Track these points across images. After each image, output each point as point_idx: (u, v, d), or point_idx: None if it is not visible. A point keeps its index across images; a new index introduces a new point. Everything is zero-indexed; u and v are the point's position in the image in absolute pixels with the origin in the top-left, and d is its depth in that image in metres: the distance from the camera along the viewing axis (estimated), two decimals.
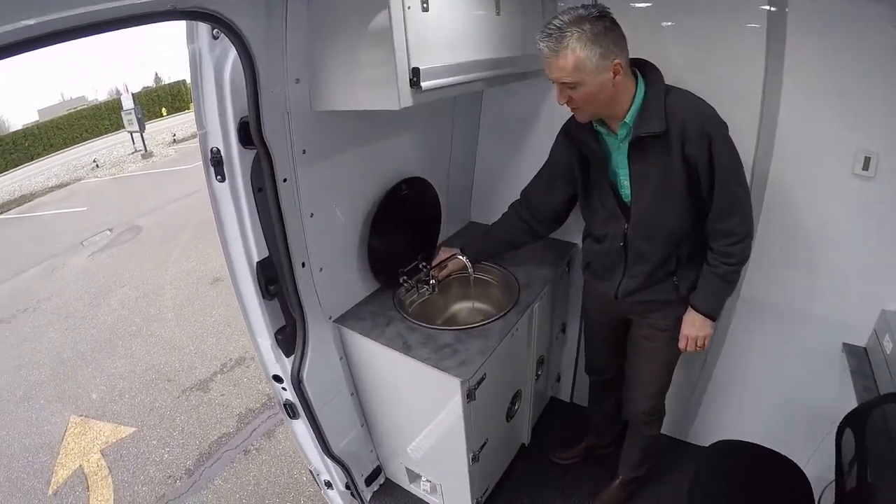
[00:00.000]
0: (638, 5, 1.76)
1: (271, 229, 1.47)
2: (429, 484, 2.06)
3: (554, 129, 1.72)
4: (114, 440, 3.73)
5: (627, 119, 1.38)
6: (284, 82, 1.34)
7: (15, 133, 21.98)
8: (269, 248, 1.50)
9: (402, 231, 1.93)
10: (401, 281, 1.93)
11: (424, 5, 1.26)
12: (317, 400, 1.76)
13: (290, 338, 1.63)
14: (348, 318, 1.80)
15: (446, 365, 1.56)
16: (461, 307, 2.16)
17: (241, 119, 1.32)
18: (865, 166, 1.62)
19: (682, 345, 1.63)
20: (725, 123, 1.36)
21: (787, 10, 1.55)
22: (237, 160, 1.36)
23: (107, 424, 3.84)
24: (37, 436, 3.89)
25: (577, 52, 1.25)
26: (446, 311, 2.15)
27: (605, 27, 1.26)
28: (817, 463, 1.80)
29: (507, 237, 1.91)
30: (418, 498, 2.17)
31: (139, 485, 3.34)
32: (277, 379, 1.70)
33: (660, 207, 1.46)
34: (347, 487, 2.07)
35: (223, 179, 1.38)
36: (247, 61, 1.22)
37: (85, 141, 22.04)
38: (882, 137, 1.57)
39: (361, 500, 2.17)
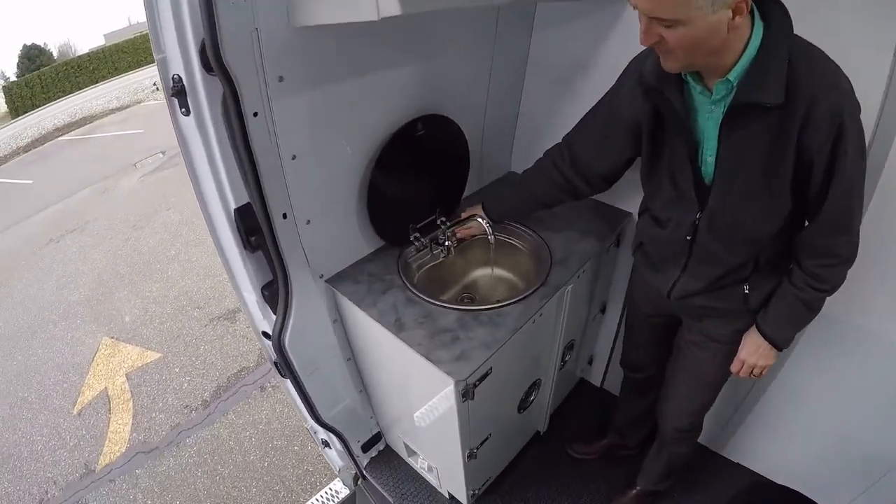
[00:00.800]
0: None
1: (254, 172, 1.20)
2: (426, 463, 1.86)
3: (608, 76, 1.32)
4: (140, 364, 3.81)
5: (731, 76, 0.97)
6: None
7: (80, 57, 22.47)
8: (249, 194, 1.24)
9: (416, 180, 1.61)
10: (412, 239, 1.65)
11: None
12: (304, 365, 1.56)
13: (278, 293, 1.41)
14: (343, 280, 1.54)
15: (440, 357, 1.28)
16: (482, 274, 1.85)
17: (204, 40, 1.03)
18: None
19: (734, 368, 1.32)
20: (860, 106, 0.95)
21: None
22: (202, 90, 1.08)
23: (135, 348, 3.93)
24: (70, 355, 4.05)
25: None
26: (465, 278, 1.85)
27: None
28: None
29: (539, 194, 1.53)
30: (416, 472, 2.00)
31: (157, 412, 3.40)
32: (267, 335, 1.52)
33: (748, 203, 1.09)
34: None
35: (188, 112, 1.12)
36: None
37: (149, 64, 22.43)
38: None
39: (357, 466, 2.02)
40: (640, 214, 1.42)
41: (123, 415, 3.33)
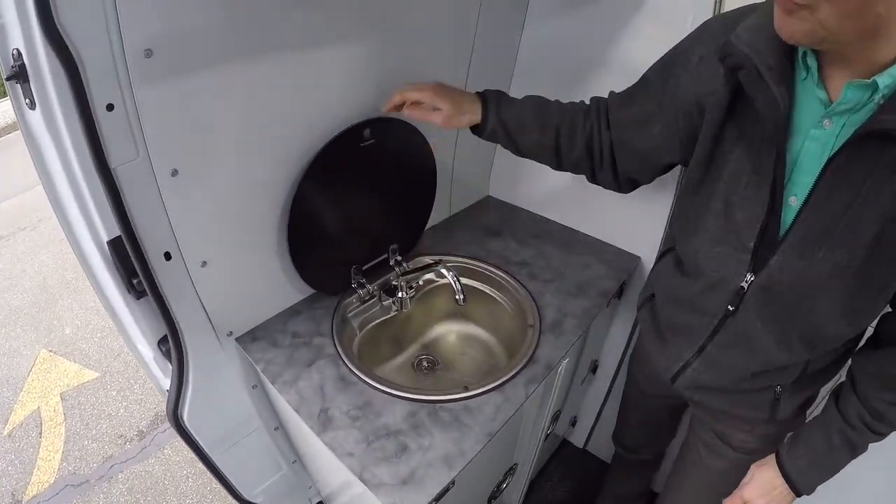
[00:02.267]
0: None
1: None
2: None
3: (621, 80, 0.96)
4: (76, 384, 3.41)
5: (881, 80, 0.59)
6: None
7: None
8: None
9: (361, 206, 1.18)
10: (353, 286, 1.24)
11: None
12: (215, 443, 1.19)
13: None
14: (258, 340, 1.13)
15: (379, 477, 0.87)
16: (447, 330, 1.44)
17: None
18: None
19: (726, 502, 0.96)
20: None
21: None
22: (48, 74, 0.69)
23: (73, 365, 3.54)
24: (5, 367, 3.67)
25: None
26: (424, 335, 1.43)
27: None
28: None
29: (555, 138, 0.98)
30: None
31: (89, 440, 3.03)
32: None
33: (836, 282, 0.71)
34: None
35: (33, 105, 0.73)
36: None
37: None
38: None
39: None
40: (659, 257, 1.06)
41: (55, 440, 2.99)
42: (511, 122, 0.99)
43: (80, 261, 0.96)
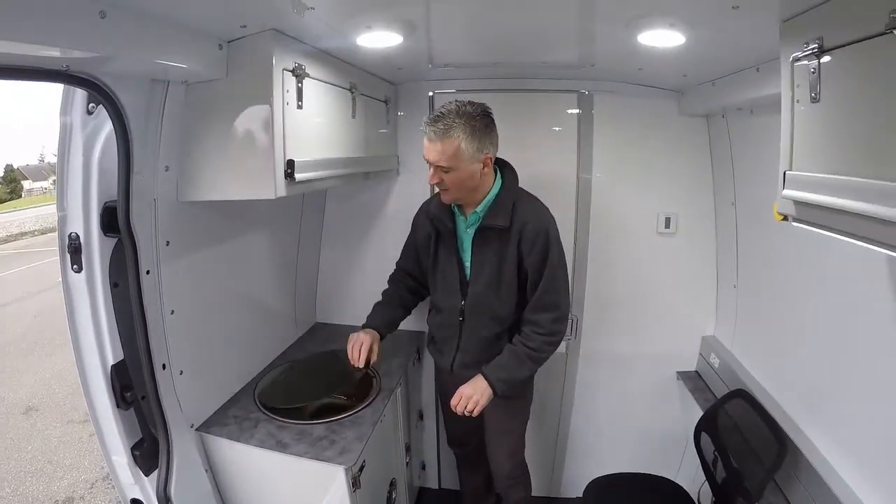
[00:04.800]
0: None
1: (128, 328, 1.33)
2: None
3: (391, 229, 2.09)
4: None
5: (479, 209, 1.60)
6: (155, 168, 1.32)
7: None
8: (124, 350, 1.35)
9: None
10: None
11: (299, 103, 1.42)
12: None
13: (148, 453, 1.41)
14: (212, 425, 1.61)
15: (327, 455, 1.49)
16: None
17: (105, 203, 1.25)
18: (667, 225, 2.17)
19: (453, 402, 1.64)
20: (557, 231, 1.63)
21: (592, 111, 2.13)
22: (97, 249, 1.26)
23: None
24: None
25: (460, 142, 1.45)
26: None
27: (485, 124, 1.49)
28: (686, 471, 2.17)
29: (402, 303, 1.91)
30: None
31: None
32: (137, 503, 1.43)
33: (491, 291, 1.64)
34: None
35: (80, 269, 1.25)
36: (123, 142, 1.19)
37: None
38: (677, 201, 2.14)
39: None
40: (429, 312, 1.89)
41: None
42: (391, 326, 1.87)
43: (82, 384, 1.33)
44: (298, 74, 1.40)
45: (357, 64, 1.77)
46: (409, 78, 2.16)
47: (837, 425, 1.43)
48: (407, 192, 2.29)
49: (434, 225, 1.71)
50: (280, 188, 1.33)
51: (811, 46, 0.92)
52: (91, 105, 1.19)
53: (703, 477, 1.83)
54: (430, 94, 2.22)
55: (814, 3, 0.92)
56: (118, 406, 1.34)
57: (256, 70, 1.30)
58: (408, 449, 2.20)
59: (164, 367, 1.42)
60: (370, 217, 2.40)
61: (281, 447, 1.52)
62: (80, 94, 1.18)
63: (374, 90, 1.97)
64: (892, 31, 0.73)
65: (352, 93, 1.74)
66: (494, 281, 1.63)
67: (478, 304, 1.67)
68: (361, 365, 1.70)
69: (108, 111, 1.14)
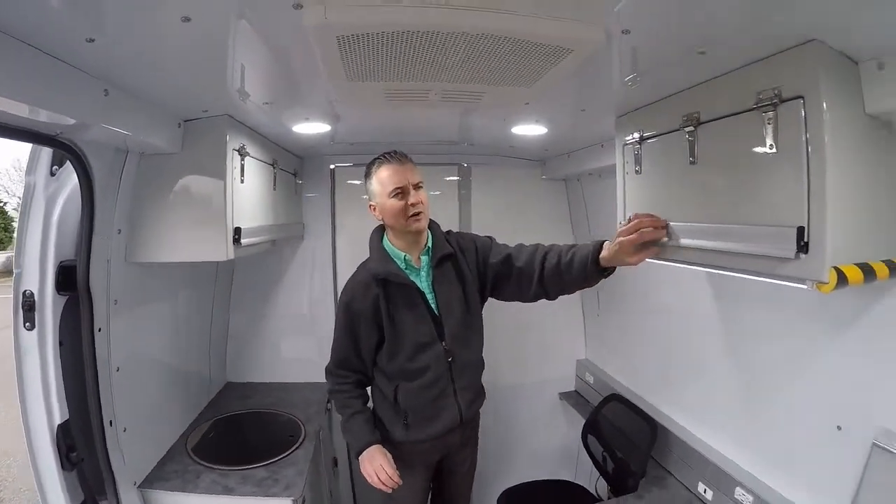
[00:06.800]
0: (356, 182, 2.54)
1: (74, 386, 1.38)
2: None
3: (296, 292, 2.42)
4: None
5: (429, 243, 1.59)
6: (111, 231, 1.44)
7: None
8: (69, 409, 1.37)
9: None
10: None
11: (242, 178, 1.67)
12: None
13: None
14: (154, 481, 1.63)
15: (274, 492, 1.62)
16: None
17: (61, 262, 1.34)
18: None
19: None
20: (487, 239, 1.70)
21: (470, 178, 2.61)
22: (50, 307, 1.33)
23: None
24: None
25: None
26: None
27: None
28: (582, 471, 2.53)
29: (360, 403, 1.66)
30: None
31: None
32: None
33: (465, 315, 1.60)
34: None
35: (32, 327, 1.30)
36: (88, 204, 1.33)
37: None
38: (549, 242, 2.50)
39: None
40: (396, 394, 1.59)
41: None
42: (372, 429, 1.63)
43: (28, 445, 1.32)
44: (243, 154, 1.66)
45: (279, 143, 2.06)
46: (314, 153, 2.48)
47: (686, 400, 1.88)
48: (310, 256, 2.60)
49: (383, 285, 1.54)
50: (230, 251, 1.55)
51: (635, 135, 1.41)
52: (54, 167, 1.31)
53: (597, 473, 2.15)
54: (332, 166, 2.57)
55: (636, 107, 1.43)
56: (63, 467, 1.34)
57: (212, 148, 1.54)
58: (331, 493, 2.32)
59: (110, 423, 1.46)
60: (276, 280, 2.58)
61: (228, 491, 1.61)
62: (45, 156, 1.30)
63: (286, 164, 2.24)
64: (681, 129, 1.21)
65: (273, 167, 2.01)
66: (462, 305, 1.60)
67: (460, 332, 1.60)
68: (398, 479, 1.52)
69: (78, 174, 1.28)
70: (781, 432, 1.44)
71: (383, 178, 1.51)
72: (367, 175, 1.58)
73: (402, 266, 1.57)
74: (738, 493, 1.48)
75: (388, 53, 1.05)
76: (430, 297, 1.59)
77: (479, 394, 1.74)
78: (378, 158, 1.56)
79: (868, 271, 0.97)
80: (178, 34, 0.92)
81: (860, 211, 0.99)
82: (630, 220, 1.33)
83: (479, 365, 1.73)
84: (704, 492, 1.61)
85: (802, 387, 1.37)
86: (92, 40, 0.92)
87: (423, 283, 1.59)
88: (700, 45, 0.99)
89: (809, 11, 0.83)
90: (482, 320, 1.70)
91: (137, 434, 1.59)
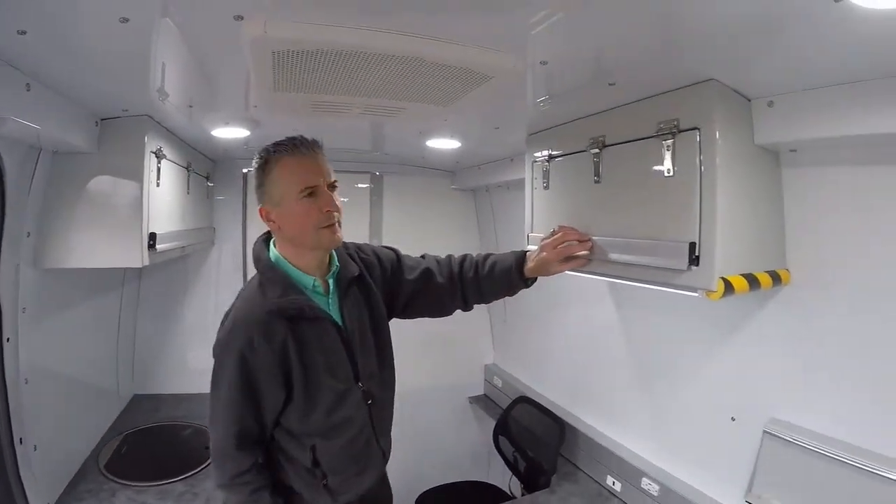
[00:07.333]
0: None
1: None
2: None
3: (206, 299, 2.37)
4: None
5: (336, 262, 1.25)
6: (20, 234, 1.36)
7: None
8: None
9: None
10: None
11: (158, 181, 1.62)
12: None
13: None
14: (68, 502, 1.55)
15: None
16: None
17: None
18: None
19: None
20: (391, 251, 1.45)
21: (382, 186, 2.66)
22: None
23: None
24: None
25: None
26: None
27: None
28: (495, 471, 2.61)
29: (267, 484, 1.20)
30: None
31: None
32: None
33: (378, 345, 1.31)
34: None
35: None
36: None
37: None
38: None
39: None
40: (289, 465, 1.22)
41: None
42: None
43: None
44: (160, 156, 1.62)
45: (195, 146, 2.02)
46: (227, 157, 2.43)
47: (592, 400, 1.99)
48: (220, 262, 2.56)
49: (291, 324, 1.14)
50: (145, 257, 1.50)
51: (545, 153, 1.52)
52: None
53: (510, 473, 2.23)
54: (245, 170, 2.53)
55: (547, 127, 1.54)
56: None
57: (129, 149, 1.50)
58: None
59: (21, 441, 1.36)
60: (184, 287, 2.50)
61: None
62: None
63: (200, 167, 2.19)
64: (588, 150, 1.31)
65: (188, 170, 1.97)
66: (373, 335, 1.30)
67: (375, 369, 1.30)
68: None
69: None
70: (682, 425, 1.57)
71: (288, 174, 1.12)
72: (262, 168, 1.15)
73: (311, 294, 1.20)
74: (645, 482, 1.60)
75: (319, 69, 1.09)
76: (342, 322, 1.25)
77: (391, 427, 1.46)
78: (278, 146, 1.14)
79: (752, 281, 1.09)
80: (113, 34, 0.91)
81: (746, 228, 1.12)
82: (555, 232, 1.37)
83: (393, 399, 1.42)
84: (613, 484, 1.73)
85: (699, 384, 1.51)
86: (24, 32, 0.89)
87: (335, 313, 1.24)
88: (611, 78, 1.12)
89: (708, 56, 0.95)
90: (392, 346, 1.39)
91: (49, 452, 1.50)
